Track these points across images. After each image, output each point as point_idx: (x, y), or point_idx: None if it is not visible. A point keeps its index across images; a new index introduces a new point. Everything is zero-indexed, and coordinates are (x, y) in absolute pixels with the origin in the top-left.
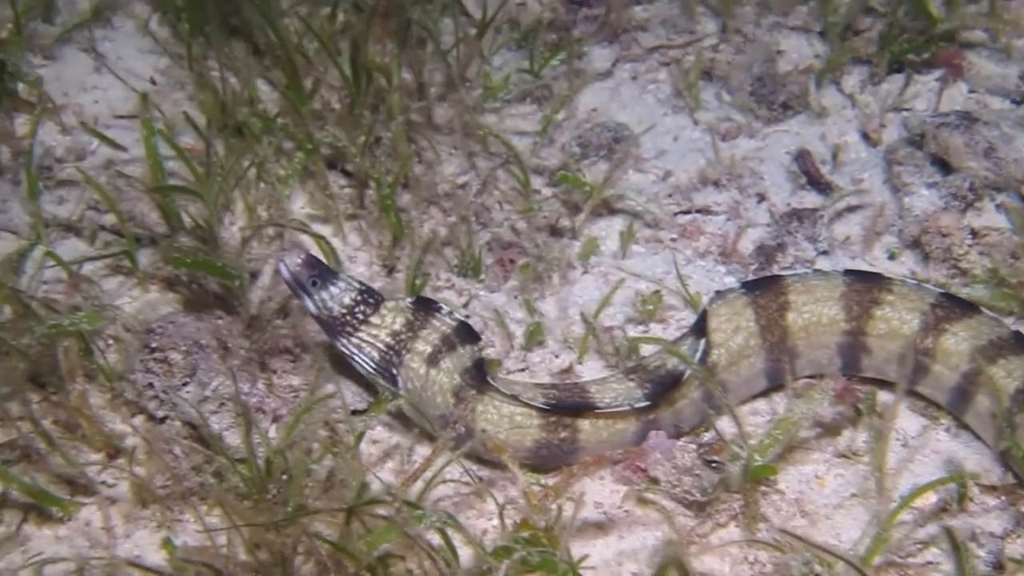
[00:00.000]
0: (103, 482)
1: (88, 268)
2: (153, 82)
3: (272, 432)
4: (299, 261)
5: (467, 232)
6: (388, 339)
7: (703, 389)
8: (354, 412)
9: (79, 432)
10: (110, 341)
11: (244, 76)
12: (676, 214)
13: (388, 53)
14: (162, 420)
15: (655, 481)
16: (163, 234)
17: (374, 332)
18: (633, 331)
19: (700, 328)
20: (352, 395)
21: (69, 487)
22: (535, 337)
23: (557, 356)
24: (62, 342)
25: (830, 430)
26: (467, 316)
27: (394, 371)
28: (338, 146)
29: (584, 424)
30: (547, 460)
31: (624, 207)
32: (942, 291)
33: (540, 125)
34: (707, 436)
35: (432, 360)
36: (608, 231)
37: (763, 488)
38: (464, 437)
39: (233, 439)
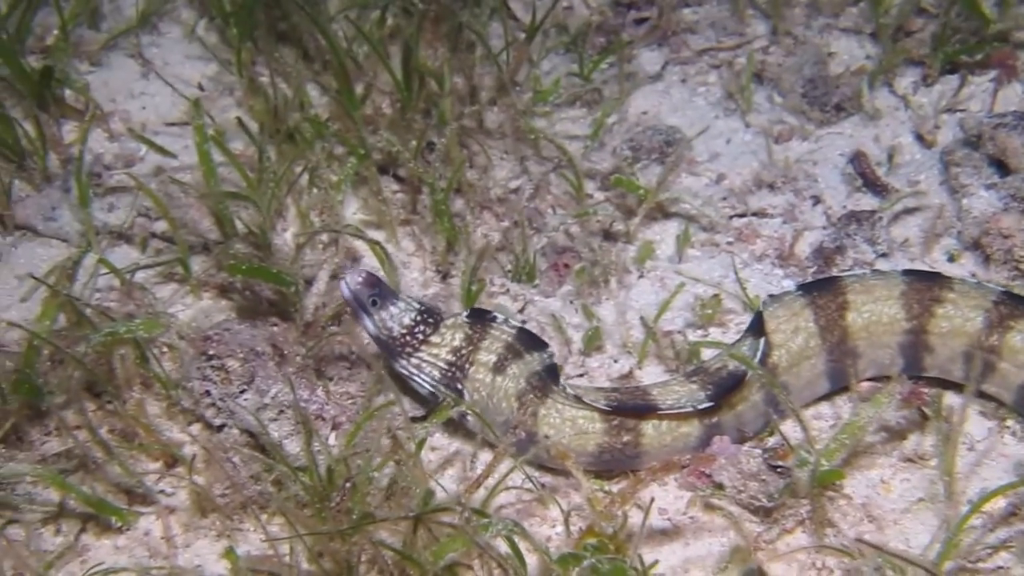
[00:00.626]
0: (161, 491)
1: (140, 276)
2: (201, 88)
3: (332, 440)
4: (359, 280)
5: (521, 237)
6: (449, 356)
7: (765, 392)
8: (413, 420)
9: (136, 441)
10: (165, 349)
11: (295, 81)
12: (731, 217)
13: (439, 57)
14: (219, 428)
15: (720, 487)
16: (216, 241)
17: (435, 352)
18: (692, 335)
19: (757, 330)
20: (410, 403)
21: (127, 497)
22: (594, 342)
23: (616, 361)
24: (118, 350)
25: (896, 434)
26: (523, 321)
27: (459, 386)
28: (391, 151)
29: (647, 428)
30: (610, 465)
31: (679, 211)
32: (1004, 290)
33: (591, 129)
34: (771, 441)
35: (498, 368)
36: (663, 235)
37: (830, 493)
38: (525, 442)
39: (292, 447)
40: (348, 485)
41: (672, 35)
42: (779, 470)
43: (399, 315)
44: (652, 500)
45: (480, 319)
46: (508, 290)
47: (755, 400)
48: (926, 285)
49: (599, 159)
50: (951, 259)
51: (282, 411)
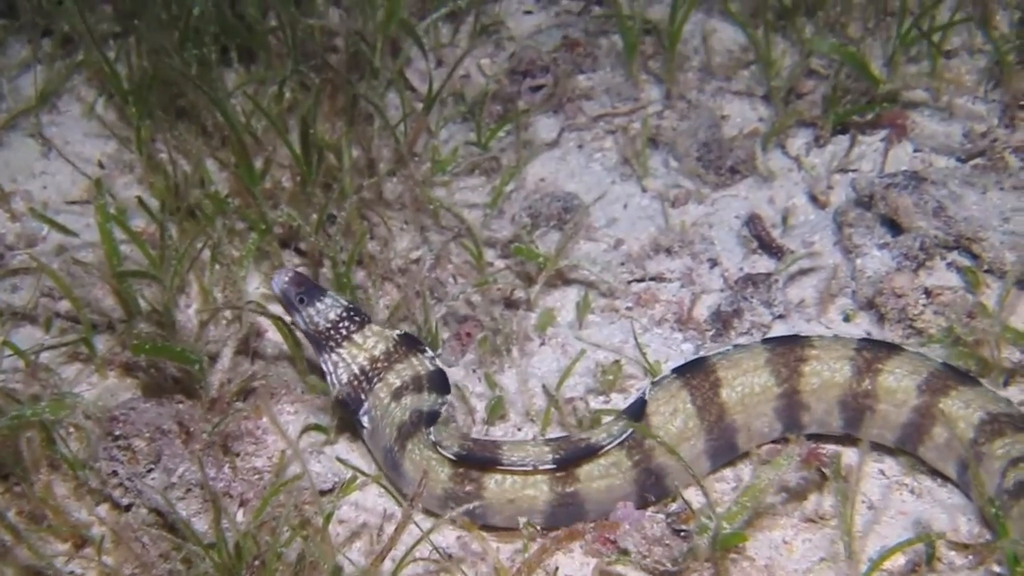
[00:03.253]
0: (71, 572)
1: (45, 356)
2: (101, 166)
3: (240, 516)
4: (286, 279)
5: (423, 307)
6: (364, 363)
7: (635, 472)
8: (321, 493)
9: (45, 523)
10: (71, 429)
11: (194, 157)
12: (630, 282)
13: (337, 130)
14: (128, 508)
15: (625, 552)
16: (120, 319)
17: (353, 352)
18: (594, 402)
19: (636, 413)
20: (317, 476)
21: None
22: (497, 411)
23: (520, 429)
24: (25, 433)
25: (796, 495)
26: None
27: (363, 396)
28: (292, 225)
29: (489, 483)
30: None
31: (578, 277)
32: (861, 337)
33: (490, 197)
34: (675, 505)
35: (396, 395)
36: (563, 302)
37: (733, 555)
38: (397, 475)
39: (201, 524)
40: (257, 563)
41: (568, 102)
42: (683, 534)
43: (325, 310)
44: (557, 569)
45: (409, 344)
46: None
47: (618, 483)
48: (788, 348)
49: (499, 227)
50: (847, 319)
51: (189, 489)
